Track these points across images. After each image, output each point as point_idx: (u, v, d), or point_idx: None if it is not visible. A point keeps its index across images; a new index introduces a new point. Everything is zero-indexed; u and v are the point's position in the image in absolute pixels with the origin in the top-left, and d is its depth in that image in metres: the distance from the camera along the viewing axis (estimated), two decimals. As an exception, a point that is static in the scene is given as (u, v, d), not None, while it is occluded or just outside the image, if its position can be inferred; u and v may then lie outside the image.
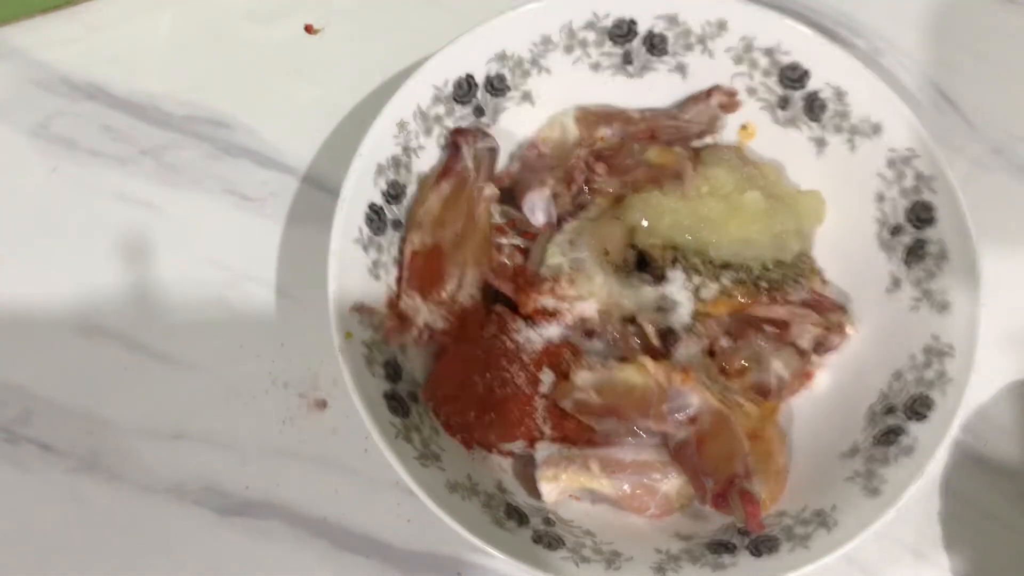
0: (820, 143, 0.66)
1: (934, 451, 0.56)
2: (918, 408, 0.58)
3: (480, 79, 0.64)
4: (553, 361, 0.60)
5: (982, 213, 0.61)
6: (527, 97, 0.66)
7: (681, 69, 0.67)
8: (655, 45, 0.66)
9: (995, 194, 0.72)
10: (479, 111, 0.65)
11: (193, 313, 0.66)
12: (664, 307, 0.62)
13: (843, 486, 0.57)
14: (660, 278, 0.62)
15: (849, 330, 0.63)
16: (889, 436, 0.58)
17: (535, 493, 0.59)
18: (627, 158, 0.66)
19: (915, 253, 0.62)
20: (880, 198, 0.64)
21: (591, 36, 0.65)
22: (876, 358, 0.62)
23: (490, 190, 0.63)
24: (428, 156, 0.63)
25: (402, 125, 0.62)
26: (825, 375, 0.64)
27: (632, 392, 0.58)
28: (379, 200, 0.61)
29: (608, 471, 0.58)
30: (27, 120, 0.70)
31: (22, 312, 0.66)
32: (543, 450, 0.59)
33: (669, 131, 0.67)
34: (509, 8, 0.63)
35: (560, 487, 0.58)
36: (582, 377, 0.59)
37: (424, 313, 0.60)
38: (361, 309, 0.58)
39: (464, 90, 0.64)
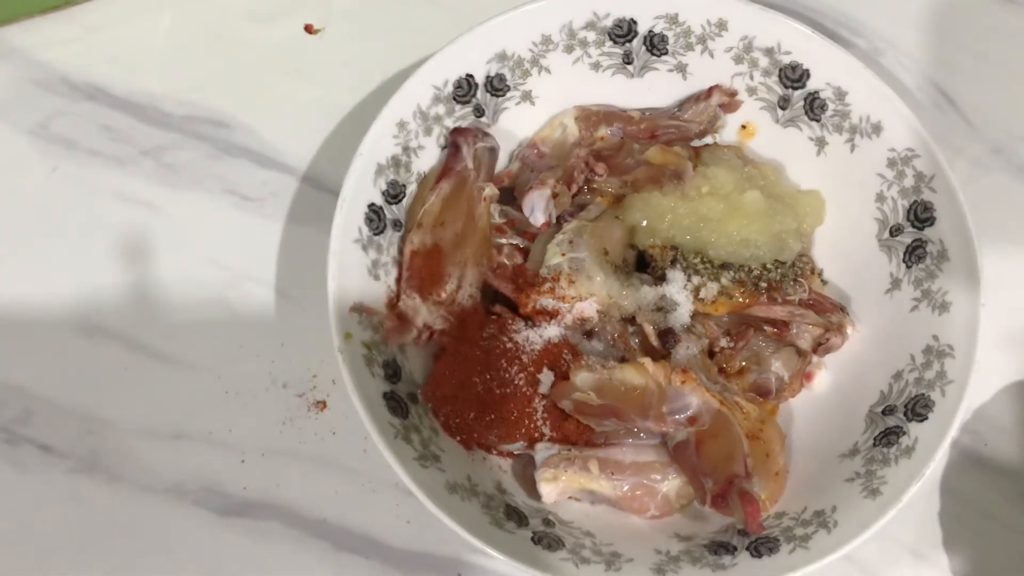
0: (820, 143, 0.66)
1: (934, 452, 0.56)
2: (918, 409, 0.58)
3: (480, 79, 0.64)
4: (553, 361, 0.60)
5: (982, 213, 0.61)
6: (527, 97, 0.66)
7: (681, 69, 0.67)
8: (655, 45, 0.66)
9: (995, 194, 0.72)
10: (479, 111, 0.65)
11: (193, 313, 0.66)
12: (664, 307, 0.62)
13: (843, 487, 0.57)
14: (660, 278, 0.62)
15: (849, 330, 0.63)
16: (889, 437, 0.58)
17: (535, 494, 0.59)
18: (627, 158, 0.66)
19: (915, 253, 0.62)
20: (880, 198, 0.64)
21: (591, 36, 0.65)
22: (876, 358, 0.62)
23: (490, 190, 0.63)
24: (428, 156, 0.63)
25: (402, 125, 0.62)
26: (825, 375, 0.64)
27: (632, 392, 0.58)
28: (379, 200, 0.61)
29: (608, 472, 0.58)
30: (27, 120, 0.70)
31: (22, 312, 0.66)
32: (543, 451, 0.59)
33: (669, 131, 0.67)
34: (509, 8, 0.63)
35: (559, 488, 0.58)
36: (582, 377, 0.59)
37: (424, 313, 0.60)
38: (361, 309, 0.58)
39: (464, 90, 0.64)
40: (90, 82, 0.71)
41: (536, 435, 0.59)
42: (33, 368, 0.64)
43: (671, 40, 0.65)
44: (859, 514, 0.55)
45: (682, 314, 0.61)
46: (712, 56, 0.65)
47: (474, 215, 0.62)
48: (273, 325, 0.66)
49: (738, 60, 0.65)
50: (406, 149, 0.62)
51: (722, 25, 0.64)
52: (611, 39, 0.65)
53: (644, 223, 0.64)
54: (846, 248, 0.65)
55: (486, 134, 0.64)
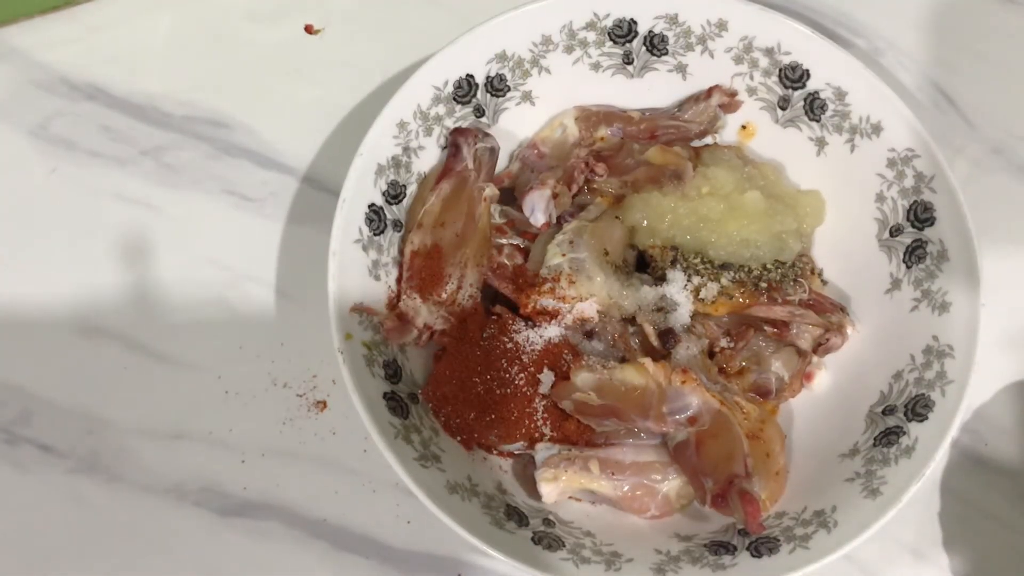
0: (820, 143, 0.66)
1: (934, 452, 0.56)
2: (918, 409, 0.58)
3: (480, 79, 0.64)
4: (553, 361, 0.60)
5: (982, 213, 0.61)
6: (527, 97, 0.66)
7: (681, 69, 0.67)
8: (655, 45, 0.66)
9: (995, 194, 0.72)
10: (479, 111, 0.65)
11: (193, 313, 0.66)
12: (664, 307, 0.62)
13: (843, 487, 0.57)
14: (660, 278, 0.62)
15: (849, 330, 0.63)
16: (889, 437, 0.58)
17: (535, 494, 0.59)
18: (627, 158, 0.66)
19: (915, 253, 0.62)
20: (880, 198, 0.64)
21: (591, 36, 0.65)
22: (876, 359, 0.62)
23: (490, 190, 0.63)
24: (428, 156, 0.63)
25: (402, 125, 0.62)
26: (825, 375, 0.64)
27: (632, 393, 0.58)
28: (379, 200, 0.61)
29: (608, 472, 0.58)
30: (27, 120, 0.70)
31: (22, 312, 0.66)
32: (543, 451, 0.59)
33: (669, 131, 0.67)
34: (509, 8, 0.63)
35: (560, 488, 0.58)
36: (582, 378, 0.59)
37: (424, 313, 0.60)
38: (361, 309, 0.58)
39: (464, 90, 0.64)
40: (90, 82, 0.71)
41: (536, 435, 0.59)
42: (33, 368, 0.64)
43: (671, 40, 0.65)
44: (859, 514, 0.55)
45: (682, 314, 0.61)
46: (712, 56, 0.65)
47: (474, 215, 0.62)
48: (273, 325, 0.66)
49: (738, 60, 0.65)
50: (406, 149, 0.62)
51: (722, 25, 0.64)
52: (611, 39, 0.65)
53: (644, 223, 0.64)
54: (846, 248, 0.65)
55: (486, 134, 0.64)
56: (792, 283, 0.63)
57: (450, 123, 0.64)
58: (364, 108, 0.71)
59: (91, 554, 0.61)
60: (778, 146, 0.68)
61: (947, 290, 0.60)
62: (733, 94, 0.66)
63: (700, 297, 0.61)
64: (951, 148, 0.72)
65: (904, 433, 0.58)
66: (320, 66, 0.73)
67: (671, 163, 0.65)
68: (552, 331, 0.60)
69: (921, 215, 0.62)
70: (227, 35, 0.73)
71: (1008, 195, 0.72)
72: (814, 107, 0.65)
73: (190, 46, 0.73)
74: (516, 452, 0.61)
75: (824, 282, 0.66)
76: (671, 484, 0.59)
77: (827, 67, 0.64)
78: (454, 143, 0.63)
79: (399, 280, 0.61)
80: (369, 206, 0.60)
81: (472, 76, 0.64)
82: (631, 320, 0.62)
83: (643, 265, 0.65)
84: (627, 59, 0.66)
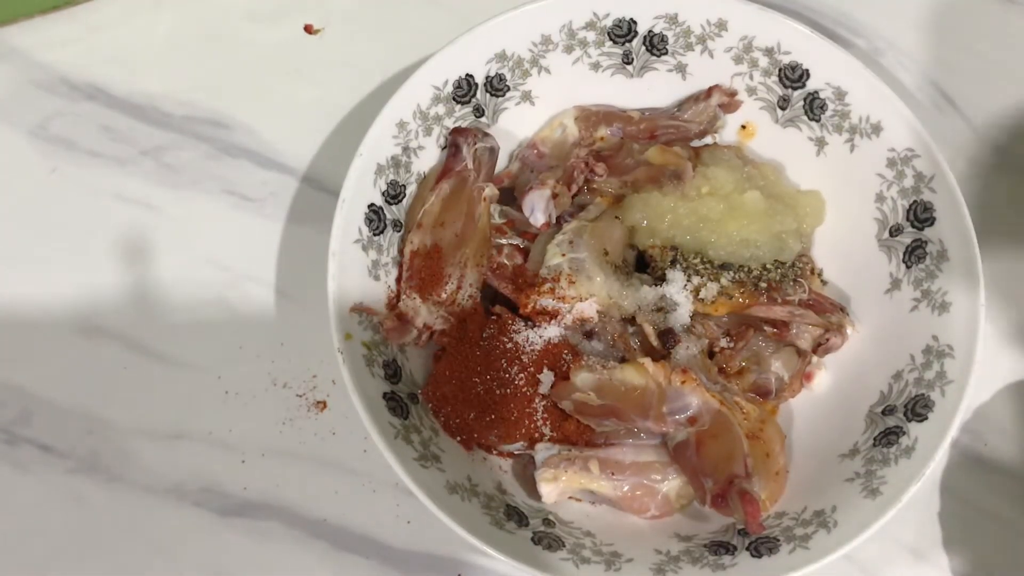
0: (820, 143, 0.66)
1: (934, 452, 0.56)
2: (918, 409, 0.58)
3: (480, 79, 0.64)
4: (553, 361, 0.60)
5: (982, 213, 0.61)
6: (527, 97, 0.66)
7: (681, 69, 0.67)
8: (655, 45, 0.66)
9: (995, 194, 0.72)
10: (479, 111, 0.65)
11: (193, 313, 0.66)
12: (664, 307, 0.62)
13: (843, 487, 0.57)
14: (660, 278, 0.62)
15: (849, 330, 0.63)
16: (889, 437, 0.58)
17: (535, 494, 0.59)
18: (627, 158, 0.66)
19: (915, 253, 0.62)
20: (880, 198, 0.64)
21: (591, 36, 0.65)
22: (876, 359, 0.62)
23: (490, 190, 0.63)
24: (428, 156, 0.63)
25: (402, 125, 0.62)
26: (825, 375, 0.64)
27: (632, 393, 0.58)
28: (379, 200, 0.61)
29: (608, 472, 0.58)
30: (27, 120, 0.70)
31: (22, 312, 0.66)
32: (543, 451, 0.59)
33: (669, 131, 0.67)
34: (509, 8, 0.63)
35: (560, 488, 0.58)
36: (582, 378, 0.59)
37: (424, 313, 0.60)
38: (361, 309, 0.58)
39: (464, 90, 0.64)
40: (90, 82, 0.71)
41: (536, 435, 0.60)
42: (33, 368, 0.64)
43: (671, 40, 0.65)
44: (859, 514, 0.55)
45: (682, 314, 0.61)
46: (712, 56, 0.65)
47: (474, 215, 0.62)
48: (273, 325, 0.66)
49: (738, 60, 0.65)
50: (406, 149, 0.62)
51: (722, 25, 0.64)
52: (611, 39, 0.65)
53: (644, 223, 0.64)
54: (846, 248, 0.65)
55: (486, 134, 0.64)
56: (792, 283, 0.63)
57: (450, 123, 0.64)
58: (364, 108, 0.71)
59: (91, 554, 0.61)
60: (778, 146, 0.68)
61: (947, 290, 0.60)
62: (733, 94, 0.66)
63: (700, 297, 0.61)
64: (951, 148, 0.72)
65: (904, 433, 0.58)
66: (320, 66, 0.73)
67: (671, 163, 0.65)
68: (552, 331, 0.60)
69: (921, 215, 0.62)
70: (227, 35, 0.73)
71: (1008, 195, 0.72)
72: (814, 107, 0.65)
73: (190, 46, 0.73)
74: (516, 452, 0.61)
75: (824, 282, 0.66)
76: (671, 484, 0.59)
77: (827, 67, 0.64)
78: (454, 143, 0.63)
79: (399, 280, 0.61)
80: (369, 206, 0.60)
81: (472, 76, 0.64)
82: (631, 320, 0.62)
83: (643, 265, 0.65)
84: (627, 59, 0.66)
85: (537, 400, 0.59)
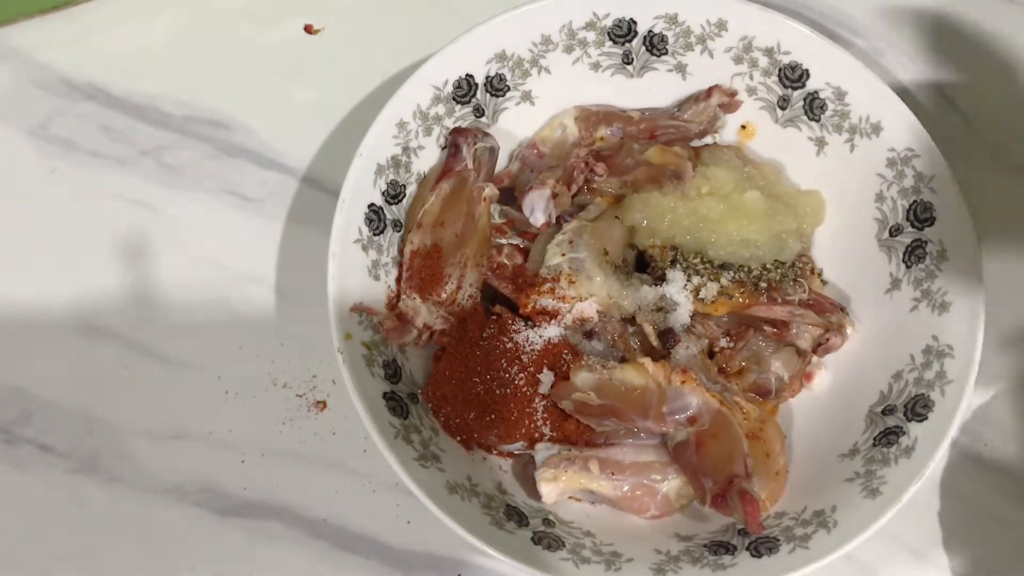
0: (820, 143, 0.66)
1: (934, 452, 0.56)
2: (918, 409, 0.58)
3: (480, 79, 0.64)
4: (553, 361, 0.60)
5: (982, 213, 0.61)
6: (527, 97, 0.66)
7: (681, 69, 0.67)
8: (655, 45, 0.66)
9: (995, 194, 0.72)
10: (479, 111, 0.65)
11: (193, 313, 0.66)
12: (664, 307, 0.62)
13: (843, 487, 0.57)
14: (660, 278, 0.62)
15: (849, 330, 0.63)
16: (889, 437, 0.58)
17: (535, 494, 0.59)
18: (627, 158, 0.66)
19: (915, 253, 0.62)
20: (880, 198, 0.64)
21: (591, 36, 0.65)
22: (876, 359, 0.62)
23: (490, 190, 0.63)
24: (428, 156, 0.63)
25: (402, 125, 0.62)
26: (825, 375, 0.64)
27: (632, 393, 0.58)
28: (379, 200, 0.61)
29: (608, 472, 0.58)
30: (27, 120, 0.70)
31: (22, 312, 0.66)
32: (543, 451, 0.59)
33: (669, 131, 0.67)
34: (509, 8, 0.63)
35: (560, 488, 0.58)
36: (582, 377, 0.59)
37: (424, 313, 0.60)
38: (361, 309, 0.58)
39: (464, 90, 0.64)
40: (90, 82, 0.71)
41: (536, 435, 0.60)
42: (33, 368, 0.64)
43: (671, 40, 0.65)
44: (859, 514, 0.55)
45: (682, 314, 0.61)
46: (712, 56, 0.65)
47: (474, 215, 0.62)
48: (273, 325, 0.66)
49: (738, 60, 0.65)
50: (406, 149, 0.62)
51: (722, 25, 0.64)
52: (611, 39, 0.65)
53: (644, 223, 0.64)
54: (846, 248, 0.65)
55: (486, 134, 0.64)
56: (792, 283, 0.63)
57: (450, 123, 0.64)
58: (364, 108, 0.71)
59: (91, 554, 0.61)
60: (778, 146, 0.68)
61: (947, 290, 0.60)
62: (733, 94, 0.66)
63: (700, 297, 0.61)
64: (951, 148, 0.72)
65: (904, 433, 0.58)
66: (320, 66, 0.73)
67: (671, 163, 0.65)
68: (552, 331, 0.60)
69: (921, 215, 0.62)
70: (227, 35, 0.73)
71: (1008, 195, 0.72)
72: (814, 107, 0.65)
73: (190, 46, 0.73)
74: (516, 452, 0.61)
75: (824, 282, 0.66)
76: (671, 484, 0.59)
77: (827, 67, 0.64)
78: (454, 143, 0.63)
79: (399, 280, 0.61)
80: (369, 206, 0.60)
81: (472, 76, 0.64)
82: (631, 320, 0.62)
83: (643, 265, 0.65)
84: (627, 59, 0.66)
85: (537, 400, 0.59)
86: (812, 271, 0.65)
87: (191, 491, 0.62)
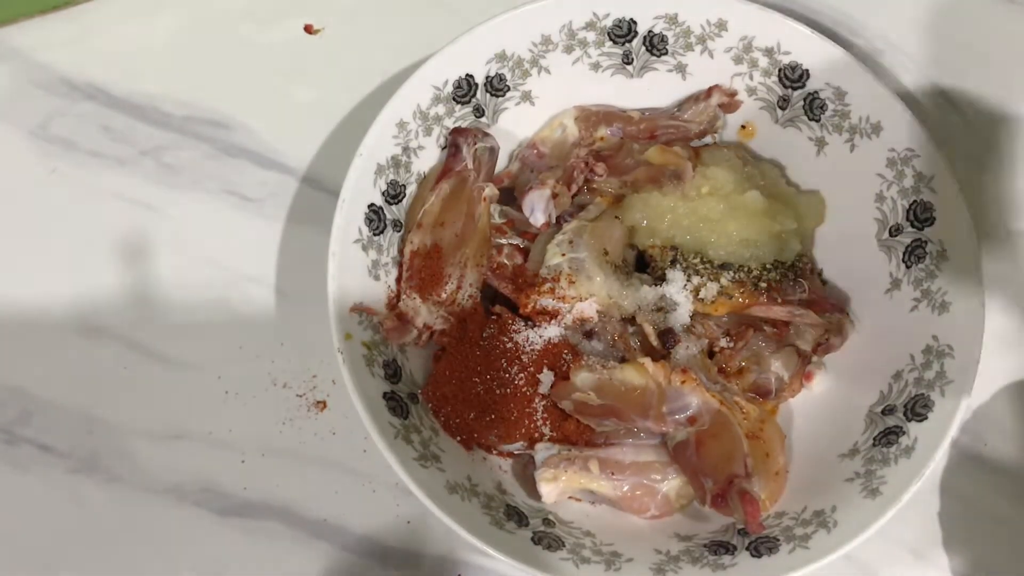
0: (820, 143, 0.66)
1: (934, 452, 0.56)
2: (918, 409, 0.58)
3: (480, 79, 0.64)
4: (553, 361, 0.60)
5: (982, 213, 0.61)
6: (527, 97, 0.66)
7: (681, 69, 0.67)
8: (655, 45, 0.66)
9: (995, 194, 0.72)
10: (479, 111, 0.65)
11: (193, 313, 0.66)
12: (664, 307, 0.62)
13: (843, 487, 0.57)
14: (660, 278, 0.62)
15: (849, 330, 0.63)
16: (889, 437, 0.58)
17: (535, 494, 0.59)
18: (627, 158, 0.66)
19: (915, 253, 0.62)
20: (880, 198, 0.64)
21: (591, 36, 0.65)
22: (876, 359, 0.62)
23: (490, 190, 0.63)
24: (428, 156, 0.63)
25: (402, 125, 0.62)
26: (825, 375, 0.64)
27: (631, 393, 0.58)
28: (379, 200, 0.61)
29: (608, 472, 0.58)
30: (27, 120, 0.70)
31: (22, 313, 0.66)
32: (543, 451, 0.59)
33: (669, 131, 0.67)
34: (509, 8, 0.63)
35: (560, 488, 0.58)
36: (582, 377, 0.59)
37: (424, 313, 0.60)
38: (361, 309, 0.58)
39: (464, 90, 0.64)
40: (90, 82, 0.71)
41: (536, 435, 0.60)
42: (33, 368, 0.64)
43: (671, 40, 0.65)
44: (859, 514, 0.55)
45: (682, 314, 0.61)
46: (712, 56, 0.65)
47: (474, 215, 0.62)
48: (273, 325, 0.66)
49: (738, 60, 0.65)
50: (406, 149, 0.62)
51: (722, 25, 0.64)
52: (611, 39, 0.65)
53: (644, 223, 0.64)
54: (846, 248, 0.65)
55: (486, 134, 0.64)
56: (792, 283, 0.63)
57: (450, 123, 0.64)
58: (364, 108, 0.71)
59: (91, 554, 0.61)
60: (778, 146, 0.68)
61: (947, 290, 0.60)
62: (733, 94, 0.66)
63: (700, 297, 0.61)
64: (951, 148, 0.72)
65: (904, 433, 0.58)
66: (320, 66, 0.73)
67: (671, 163, 0.65)
68: (552, 331, 0.60)
69: (921, 215, 0.62)
70: (226, 35, 0.73)
71: (1008, 195, 0.72)
72: (814, 107, 0.65)
73: (190, 46, 0.73)
74: (516, 452, 0.61)
75: (824, 282, 0.66)
76: (671, 484, 0.59)
77: (827, 67, 0.64)
78: (454, 143, 0.63)
79: (399, 280, 0.61)
80: (369, 206, 0.60)
81: (472, 76, 0.64)
82: (631, 320, 0.62)
83: (643, 265, 0.65)
84: (627, 59, 0.66)
85: (537, 400, 0.59)
86: (812, 271, 0.65)
87: (191, 491, 0.62)
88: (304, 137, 0.70)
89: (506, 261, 0.63)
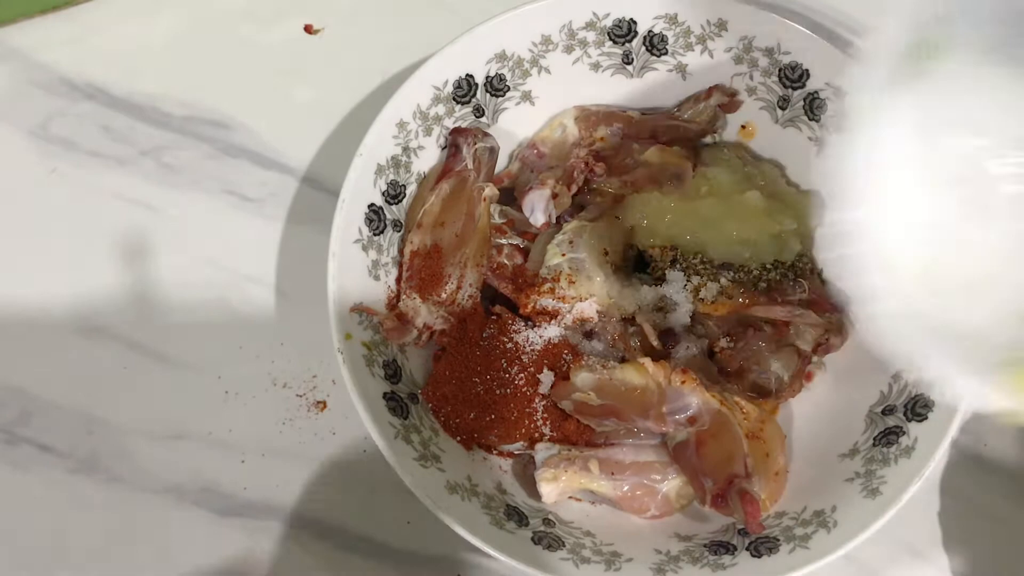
0: (820, 143, 0.66)
1: (934, 452, 0.56)
2: (918, 408, 0.58)
3: (480, 79, 0.64)
4: (553, 361, 0.60)
5: (982, 213, 0.61)
6: (527, 97, 0.66)
7: (681, 69, 0.67)
8: (655, 45, 0.66)
9: (995, 194, 0.72)
10: (479, 111, 0.65)
11: (193, 313, 0.66)
12: (664, 307, 0.62)
13: (843, 487, 0.57)
14: (660, 278, 0.62)
15: (849, 331, 0.63)
16: (889, 437, 0.58)
17: (535, 494, 0.59)
18: (627, 158, 0.66)
19: (915, 253, 0.62)
20: (880, 198, 0.63)
21: (591, 36, 0.65)
22: (876, 359, 0.62)
23: (490, 190, 0.63)
24: (428, 156, 0.63)
25: (402, 125, 0.62)
26: (825, 376, 0.64)
27: (632, 393, 0.58)
28: (379, 200, 0.61)
29: (608, 472, 0.58)
30: (27, 120, 0.70)
31: (22, 313, 0.66)
32: (543, 451, 0.59)
33: (669, 131, 0.67)
34: (509, 8, 0.63)
35: (560, 488, 0.58)
36: (582, 377, 0.59)
37: (424, 313, 0.60)
38: (361, 309, 0.58)
39: (464, 90, 0.64)
40: (90, 82, 0.71)
41: (536, 435, 0.60)
42: (33, 368, 0.64)
43: (671, 40, 0.65)
44: (859, 514, 0.55)
45: (682, 314, 0.62)
46: (712, 56, 0.65)
47: (474, 215, 0.62)
48: (273, 325, 0.66)
49: (738, 60, 0.65)
50: (406, 149, 0.62)
51: (722, 25, 0.64)
52: (611, 39, 0.65)
53: (644, 223, 0.64)
54: (846, 248, 0.65)
55: (486, 134, 0.64)
56: (792, 283, 0.63)
57: (450, 123, 0.64)
58: (364, 108, 0.71)
59: (91, 554, 0.61)
60: (778, 146, 0.67)
61: (947, 290, 0.60)
62: (733, 94, 0.66)
63: (700, 297, 0.61)
64: (951, 148, 0.72)
65: (904, 433, 0.58)
66: (320, 66, 0.73)
67: (671, 163, 0.65)
68: (552, 331, 0.60)
69: (921, 215, 0.62)
70: (226, 35, 0.73)
71: (1008, 195, 0.72)
72: (814, 107, 0.65)
73: (190, 46, 0.73)
74: (516, 452, 0.61)
75: (824, 282, 0.66)
76: (671, 484, 0.59)
77: (827, 67, 0.64)
78: (454, 143, 0.63)
79: (399, 280, 0.61)
80: (369, 206, 0.60)
81: (472, 76, 0.64)
82: (631, 320, 0.62)
83: (643, 265, 0.65)
84: (627, 59, 0.66)
85: (537, 400, 0.59)
86: (812, 271, 0.65)
87: (191, 491, 0.62)
88: (304, 137, 0.70)
89: (506, 261, 0.63)
